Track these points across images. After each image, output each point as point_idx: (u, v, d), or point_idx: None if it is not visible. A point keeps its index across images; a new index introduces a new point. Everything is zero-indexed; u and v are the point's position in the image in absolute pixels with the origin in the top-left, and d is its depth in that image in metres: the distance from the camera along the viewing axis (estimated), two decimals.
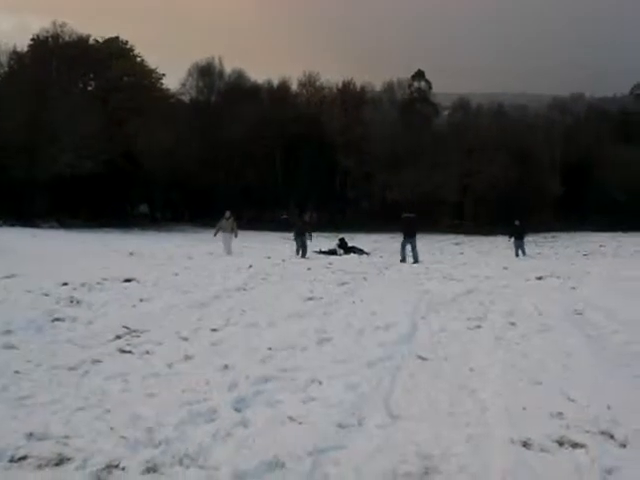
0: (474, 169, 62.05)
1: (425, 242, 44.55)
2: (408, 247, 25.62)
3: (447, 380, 7.33)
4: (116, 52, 60.96)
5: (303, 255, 26.22)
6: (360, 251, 30.29)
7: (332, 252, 29.59)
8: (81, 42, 59.93)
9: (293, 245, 27.26)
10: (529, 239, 31.70)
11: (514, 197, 61.21)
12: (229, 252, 26.47)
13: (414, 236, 25.66)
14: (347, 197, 69.37)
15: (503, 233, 33.45)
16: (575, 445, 5.40)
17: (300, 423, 5.80)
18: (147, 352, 8.36)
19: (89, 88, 61.47)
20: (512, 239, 31.37)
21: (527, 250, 31.34)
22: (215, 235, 27.60)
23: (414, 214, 27.91)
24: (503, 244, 32.66)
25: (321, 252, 29.29)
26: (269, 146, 62.67)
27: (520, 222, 31.60)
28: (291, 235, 27.85)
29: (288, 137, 62.92)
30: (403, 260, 25.19)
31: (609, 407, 6.32)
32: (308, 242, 26.82)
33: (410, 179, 60.29)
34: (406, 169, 61.07)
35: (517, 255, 30.40)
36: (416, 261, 24.91)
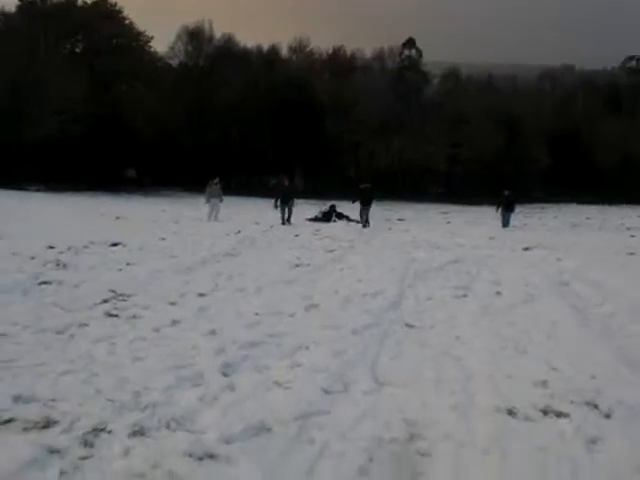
0: (462, 139, 61.95)
1: (412, 211, 44.76)
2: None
3: (433, 348, 7.37)
4: (104, 14, 60.20)
5: (288, 221, 26.04)
6: (348, 218, 30.17)
7: (325, 219, 29.46)
8: (69, 3, 59.21)
9: (277, 212, 27.00)
10: (516, 210, 31.43)
11: (502, 167, 61.27)
12: (216, 218, 26.36)
13: (369, 205, 27.74)
14: (335, 164, 69.14)
15: (492, 203, 33.12)
16: (559, 414, 5.45)
17: (286, 388, 5.83)
18: (134, 316, 8.35)
19: (76, 50, 60.81)
20: (500, 209, 30.86)
21: (513, 221, 30.97)
22: (207, 202, 27.25)
23: (370, 185, 29.64)
24: (490, 214, 32.49)
25: (316, 219, 29.23)
26: (258, 111, 62.25)
27: (510, 192, 31.10)
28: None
29: (277, 102, 62.52)
30: (364, 225, 26.93)
31: (593, 377, 6.38)
32: (293, 208, 26.67)
33: (398, 147, 60.18)
34: (394, 137, 60.94)
35: (504, 225, 30.06)
36: (367, 225, 27.13)
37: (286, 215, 26.16)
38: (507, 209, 30.46)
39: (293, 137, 61.36)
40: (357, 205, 27.71)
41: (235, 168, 60.60)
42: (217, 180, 27.80)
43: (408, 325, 8.46)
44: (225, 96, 60.14)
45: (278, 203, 26.27)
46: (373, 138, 62.49)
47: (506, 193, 30.79)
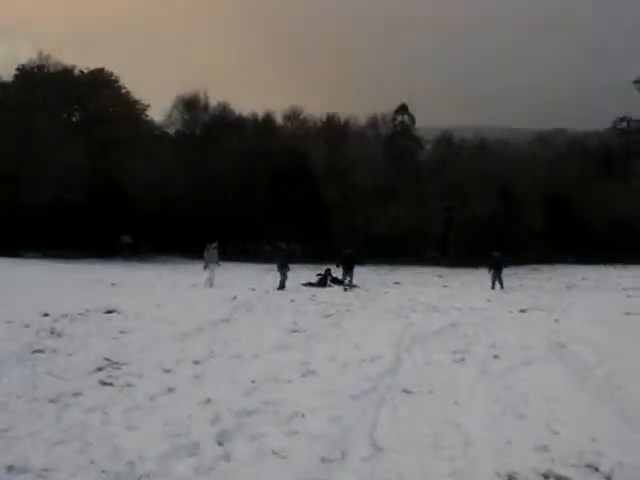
0: (457, 202, 62.36)
1: (409, 274, 44.74)
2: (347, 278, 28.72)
3: (432, 413, 7.29)
4: (101, 83, 61.01)
5: (282, 287, 26.03)
6: (343, 283, 30.22)
7: (321, 284, 29.50)
8: (66, 73, 60.01)
9: (277, 277, 27.05)
10: (510, 272, 31.58)
11: (497, 230, 61.52)
12: (212, 284, 26.29)
13: (352, 269, 28.84)
14: (331, 230, 69.41)
15: (484, 265, 33.32)
16: (560, 478, 5.37)
17: (283, 457, 5.74)
18: (128, 384, 8.26)
19: (74, 119, 61.43)
20: (492, 271, 31.19)
21: (505, 282, 31.17)
22: (205, 268, 27.14)
23: (353, 250, 30.33)
24: (484, 276, 32.59)
25: (312, 284, 29.24)
26: (253, 178, 62.74)
27: (499, 254, 31.55)
28: (274, 267, 27.62)
29: (272, 169, 63.09)
30: (345, 289, 27.56)
31: (594, 440, 6.30)
32: (288, 273, 26.72)
33: (393, 212, 60.49)
34: (390, 202, 61.31)
35: (493, 287, 30.29)
36: (350, 288, 27.88)
37: (282, 280, 26.20)
38: (497, 270, 30.78)
39: (288, 204, 61.69)
40: (337, 271, 28.67)
41: (231, 234, 60.73)
42: (215, 244, 27.83)
43: (406, 391, 8.38)
44: (221, 163, 60.68)
45: (277, 268, 26.52)
46: (369, 204, 62.87)
47: (495, 254, 31.21)
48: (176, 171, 57.69)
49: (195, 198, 60.64)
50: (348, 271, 28.63)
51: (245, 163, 61.71)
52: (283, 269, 26.43)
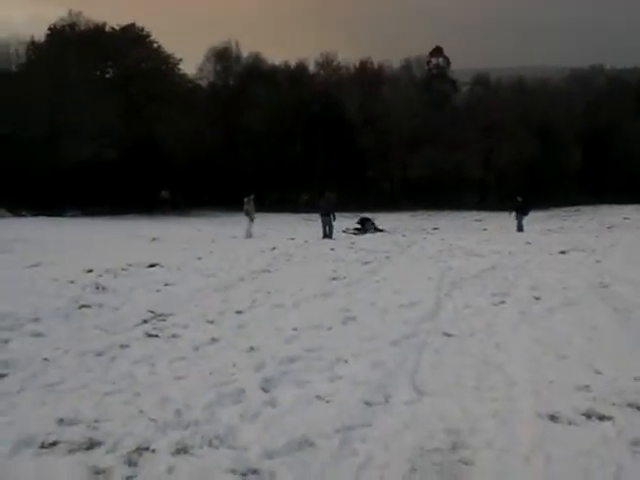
0: (495, 145, 61.67)
1: (447, 219, 44.61)
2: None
3: (472, 356, 7.33)
4: (133, 39, 60.89)
5: (330, 235, 26.21)
6: (382, 230, 30.40)
7: (362, 230, 29.63)
8: (97, 30, 59.96)
9: (317, 226, 27.17)
10: (551, 213, 31.28)
11: (536, 171, 60.84)
12: (251, 235, 26.53)
13: (328, 215, 26.89)
14: (367, 177, 69.17)
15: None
16: (602, 417, 5.39)
17: (327, 402, 5.83)
18: (173, 335, 8.41)
19: (107, 76, 61.47)
20: (513, 214, 31.31)
21: (526, 226, 31.05)
22: (249, 218, 27.35)
23: (333, 194, 29.27)
24: (526, 219, 32.30)
25: (355, 230, 29.47)
26: (288, 128, 62.56)
27: (522, 199, 31.51)
28: (313, 216, 27.78)
29: (307, 118, 62.84)
30: (324, 236, 26.49)
31: (637, 379, 6.30)
32: (333, 222, 26.80)
33: (430, 157, 60.04)
34: (426, 147, 60.83)
35: (518, 230, 30.32)
36: (329, 236, 26.56)
37: (327, 230, 26.34)
38: (521, 214, 30.78)
39: (324, 152, 61.54)
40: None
41: (268, 185, 60.88)
42: (252, 197, 28.06)
43: (446, 334, 8.42)
44: (255, 114, 60.54)
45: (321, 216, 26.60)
46: (405, 149, 62.48)
47: (519, 199, 31.22)
48: (210, 124, 57.72)
49: (230, 150, 60.78)
50: (324, 217, 26.96)
51: (279, 113, 61.50)
52: (328, 217, 26.53)
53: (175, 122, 52.55)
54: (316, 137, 62.24)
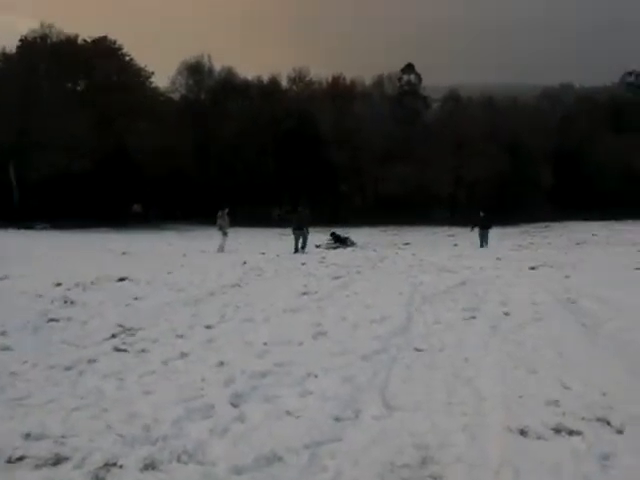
0: (465, 162, 62.10)
1: (419, 235, 44.77)
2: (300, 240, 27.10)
3: (443, 370, 7.35)
4: (104, 52, 60.74)
5: (303, 249, 26.29)
6: (352, 243, 30.58)
7: (333, 246, 29.72)
8: (69, 42, 59.82)
9: (289, 240, 27.16)
10: (521, 229, 31.51)
11: (507, 187, 61.36)
12: (223, 249, 26.44)
13: (301, 229, 26.86)
14: (340, 191, 69.36)
15: (497, 224, 33.31)
16: (571, 432, 5.43)
17: (297, 417, 5.81)
18: (142, 350, 8.35)
19: (78, 88, 61.32)
20: (475, 229, 31.63)
21: (490, 241, 31.34)
22: (221, 232, 27.20)
23: (306, 209, 29.66)
24: (495, 236, 32.55)
25: (331, 244, 29.61)
26: (260, 142, 62.64)
27: (485, 214, 31.82)
28: (286, 230, 27.81)
29: (279, 133, 62.99)
30: (295, 251, 26.44)
31: (604, 394, 6.35)
32: (307, 237, 26.90)
33: (402, 174, 60.31)
34: (398, 164, 61.12)
35: (481, 246, 30.64)
36: (302, 250, 26.63)
37: (300, 244, 26.40)
38: (484, 229, 31.08)
39: (297, 166, 61.63)
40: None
41: (239, 199, 60.82)
42: (226, 210, 27.92)
43: (417, 349, 8.44)
44: (228, 128, 60.58)
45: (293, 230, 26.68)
46: (377, 165, 62.77)
47: (482, 214, 31.54)
48: (182, 137, 57.69)
49: (202, 164, 60.74)
50: (297, 231, 26.87)
51: (251, 127, 61.65)
52: (300, 232, 26.58)
53: (146, 135, 52.42)
54: (289, 152, 62.35)
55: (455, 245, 34.02)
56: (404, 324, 10.09)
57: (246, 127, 61.42)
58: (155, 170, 55.17)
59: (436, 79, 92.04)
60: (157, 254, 24.53)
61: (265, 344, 8.67)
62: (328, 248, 29.23)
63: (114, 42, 63.10)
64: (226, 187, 59.06)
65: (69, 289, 13.43)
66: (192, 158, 59.15)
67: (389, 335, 9.20)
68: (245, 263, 20.05)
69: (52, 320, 10.08)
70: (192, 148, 59.20)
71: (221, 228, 27.37)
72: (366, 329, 9.73)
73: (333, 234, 31.77)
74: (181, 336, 9.24)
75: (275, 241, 34.08)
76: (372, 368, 7.40)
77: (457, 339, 9.03)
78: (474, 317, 10.83)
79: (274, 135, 62.93)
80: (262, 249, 27.73)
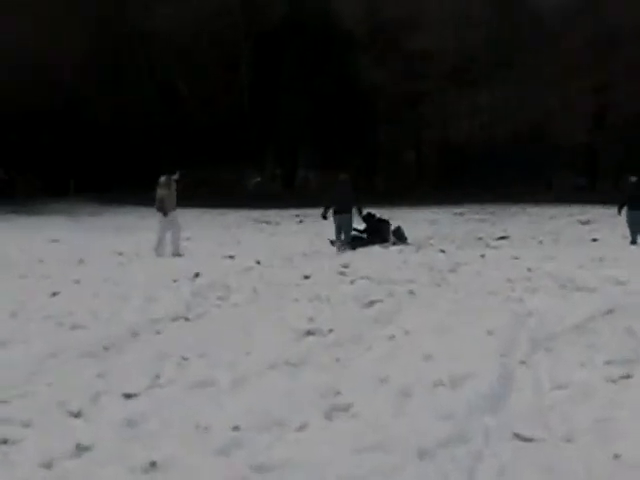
0: (616, 83, 61.82)
1: (524, 220, 44.77)
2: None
3: (571, 477, 7.30)
4: None
5: (346, 243, 26.89)
6: (402, 237, 30.51)
7: (370, 238, 29.75)
8: None
9: (280, 234, 27.28)
10: None
11: None
12: (158, 246, 26.35)
13: (348, 212, 28.61)
14: (379, 143, 69.23)
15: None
16: None
17: None
18: (4, 442, 8.30)
19: None
20: (624, 211, 30.25)
21: None
22: (164, 216, 26.76)
23: (348, 175, 30.39)
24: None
25: (361, 234, 29.79)
26: (227, 48, 62.61)
27: (637, 179, 30.32)
28: (269, 214, 27.93)
29: (262, 32, 62.86)
30: (339, 248, 27.92)
31: None
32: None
33: (492, 103, 60.26)
34: (484, 87, 61.06)
35: (634, 241, 29.41)
36: (344, 244, 28.36)
37: (342, 236, 26.86)
38: (635, 209, 29.83)
39: (295, 93, 61.56)
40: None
41: (185, 157, 60.63)
42: (176, 176, 27.51)
43: (521, 437, 8.39)
44: (160, 19, 60.44)
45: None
46: (446, 89, 62.70)
47: (633, 180, 30.40)
48: (72, 41, 57.62)
49: (112, 93, 60.63)
50: (341, 215, 28.39)
51: (207, 18, 61.40)
52: (347, 215, 26.92)
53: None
54: (280, 65, 62.25)
55: (594, 240, 33.99)
56: (498, 391, 10.06)
57: (199, 17, 61.26)
58: (23, 106, 55.29)
59: None
60: (31, 260, 24.51)
61: (235, 429, 8.62)
62: (354, 246, 29.09)
63: None
64: (158, 135, 59.03)
65: None
66: (96, 84, 59.29)
67: (469, 412, 9.16)
68: (197, 276, 20.06)
69: None
70: (92, 65, 59.43)
71: (161, 208, 26.75)
72: (426, 400, 9.70)
73: (368, 216, 31.40)
74: (77, 415, 9.21)
75: (252, 233, 34.09)
76: (437, 475, 7.35)
77: (599, 418, 8.97)
78: (630, 376, 10.77)
79: (252, 37, 62.86)
80: (229, 248, 27.72)
